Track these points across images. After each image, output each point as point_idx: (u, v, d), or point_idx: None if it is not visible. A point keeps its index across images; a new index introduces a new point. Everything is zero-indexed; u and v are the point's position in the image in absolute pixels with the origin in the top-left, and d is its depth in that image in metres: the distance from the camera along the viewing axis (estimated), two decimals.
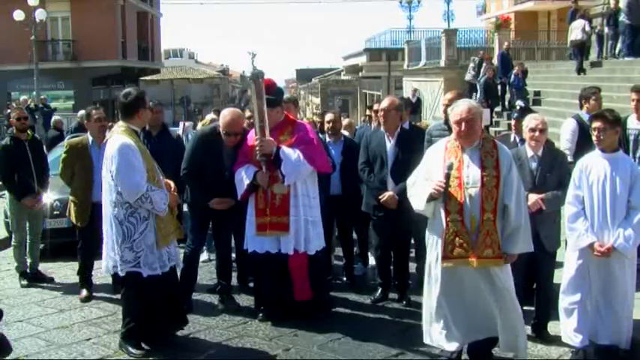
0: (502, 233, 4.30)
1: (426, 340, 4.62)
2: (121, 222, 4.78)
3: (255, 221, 5.60)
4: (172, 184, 5.18)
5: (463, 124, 4.32)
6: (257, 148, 5.47)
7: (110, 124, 7.23)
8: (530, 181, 4.94)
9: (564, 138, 6.42)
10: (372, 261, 7.18)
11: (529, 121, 5.03)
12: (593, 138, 4.67)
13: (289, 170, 5.48)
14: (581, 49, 16.75)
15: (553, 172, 4.96)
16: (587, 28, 16.67)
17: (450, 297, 4.41)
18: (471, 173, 4.30)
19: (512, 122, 6.24)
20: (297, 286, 5.66)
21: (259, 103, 5.45)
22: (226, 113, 5.83)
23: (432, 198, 4.34)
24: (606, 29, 16.58)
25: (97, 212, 6.19)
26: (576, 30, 16.74)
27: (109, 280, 6.46)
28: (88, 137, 6.62)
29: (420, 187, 4.46)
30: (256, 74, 5.48)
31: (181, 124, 13.02)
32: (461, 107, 4.39)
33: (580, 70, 16.41)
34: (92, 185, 6.33)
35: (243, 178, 5.59)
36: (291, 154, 5.50)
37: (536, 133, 4.94)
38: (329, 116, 7.08)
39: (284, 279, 5.66)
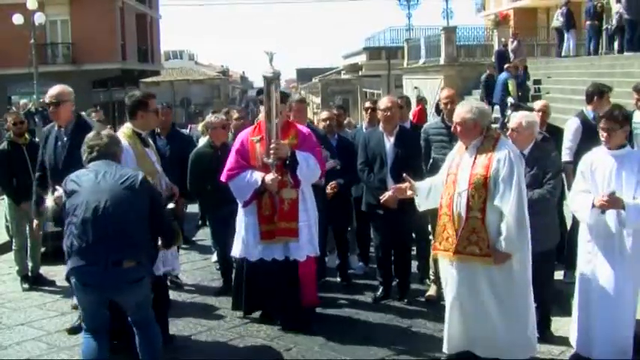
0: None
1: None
2: None
3: (260, 229, 5.37)
4: (176, 188, 5.20)
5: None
6: (272, 151, 5.23)
7: (109, 127, 7.23)
8: None
9: (566, 137, 6.32)
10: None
11: (510, 121, 5.07)
12: (602, 137, 4.48)
13: (305, 174, 5.33)
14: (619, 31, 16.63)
15: (539, 167, 4.89)
16: (616, 13, 16.46)
17: (458, 297, 4.39)
18: None
19: (506, 119, 6.25)
20: (306, 291, 5.48)
21: (275, 104, 5.26)
22: None
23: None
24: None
25: None
26: (617, 14, 16.53)
27: None
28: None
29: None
30: (277, 74, 5.34)
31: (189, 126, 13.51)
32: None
33: (620, 50, 16.30)
34: None
35: (248, 182, 5.34)
36: (306, 157, 5.35)
37: (514, 134, 4.91)
38: (324, 114, 7.03)
39: (287, 286, 5.44)
